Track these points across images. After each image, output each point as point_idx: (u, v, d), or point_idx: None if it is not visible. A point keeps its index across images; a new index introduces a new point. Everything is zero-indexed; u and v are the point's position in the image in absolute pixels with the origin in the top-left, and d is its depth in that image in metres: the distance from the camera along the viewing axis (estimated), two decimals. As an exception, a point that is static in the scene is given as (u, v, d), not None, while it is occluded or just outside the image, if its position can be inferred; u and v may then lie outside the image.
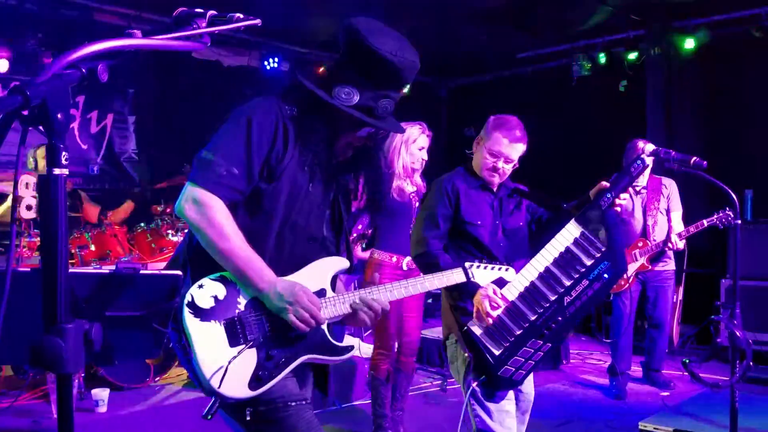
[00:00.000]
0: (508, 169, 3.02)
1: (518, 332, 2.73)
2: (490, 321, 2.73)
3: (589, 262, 2.70)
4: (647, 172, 5.28)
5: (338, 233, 2.25)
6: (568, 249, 2.74)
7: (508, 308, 2.73)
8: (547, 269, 2.74)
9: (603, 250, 2.70)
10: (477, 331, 2.78)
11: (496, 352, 2.74)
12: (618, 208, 2.77)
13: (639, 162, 2.77)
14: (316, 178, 2.09)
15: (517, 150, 2.98)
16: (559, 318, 2.70)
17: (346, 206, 2.26)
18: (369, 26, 2.04)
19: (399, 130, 2.25)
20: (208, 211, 1.91)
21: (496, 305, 2.72)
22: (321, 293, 2.08)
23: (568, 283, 2.71)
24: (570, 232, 2.76)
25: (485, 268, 2.52)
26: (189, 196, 1.93)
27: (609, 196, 2.73)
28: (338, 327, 2.17)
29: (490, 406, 2.88)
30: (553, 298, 2.71)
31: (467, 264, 2.49)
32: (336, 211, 2.22)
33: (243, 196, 2.00)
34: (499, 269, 2.56)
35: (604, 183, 2.81)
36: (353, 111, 2.02)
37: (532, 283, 2.74)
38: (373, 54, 1.99)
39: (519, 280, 2.74)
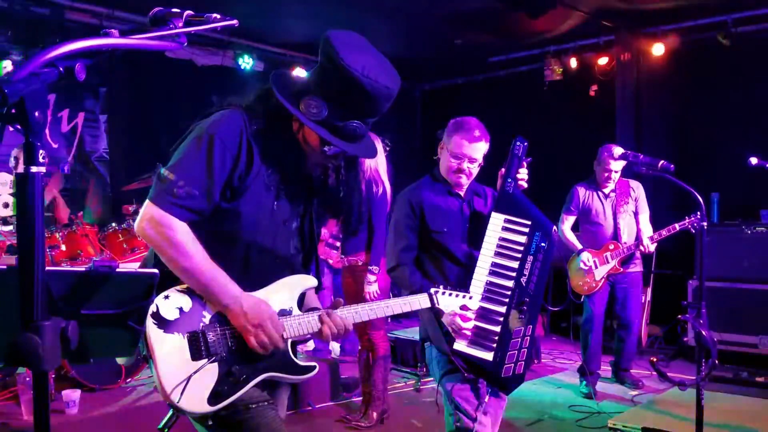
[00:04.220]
0: (474, 168, 3.05)
1: (499, 329, 2.82)
2: (468, 333, 2.81)
3: (524, 240, 2.88)
4: (616, 176, 5.37)
5: (306, 248, 2.18)
6: (501, 238, 2.90)
7: (478, 314, 2.80)
8: (493, 264, 2.88)
9: (529, 224, 2.89)
10: (464, 347, 2.83)
11: (490, 358, 2.82)
12: (523, 184, 2.96)
13: (518, 143, 2.97)
14: (282, 196, 2.02)
15: (478, 149, 3.01)
16: (526, 299, 2.85)
17: (317, 218, 2.18)
18: (346, 40, 1.92)
19: (368, 155, 2.06)
20: (167, 231, 1.85)
21: (466, 318, 2.78)
22: (287, 312, 2.04)
23: (516, 265, 2.86)
24: (495, 224, 2.92)
25: (450, 295, 2.54)
26: (147, 215, 1.87)
27: (509, 180, 2.94)
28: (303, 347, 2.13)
29: (467, 406, 2.91)
30: (511, 284, 2.85)
31: (432, 290, 2.50)
32: (305, 224, 2.15)
33: (202, 217, 1.92)
34: (463, 297, 2.59)
35: (502, 170, 2.97)
36: (317, 127, 1.91)
37: (488, 282, 2.86)
38: (342, 70, 1.86)
39: (475, 285, 2.84)
